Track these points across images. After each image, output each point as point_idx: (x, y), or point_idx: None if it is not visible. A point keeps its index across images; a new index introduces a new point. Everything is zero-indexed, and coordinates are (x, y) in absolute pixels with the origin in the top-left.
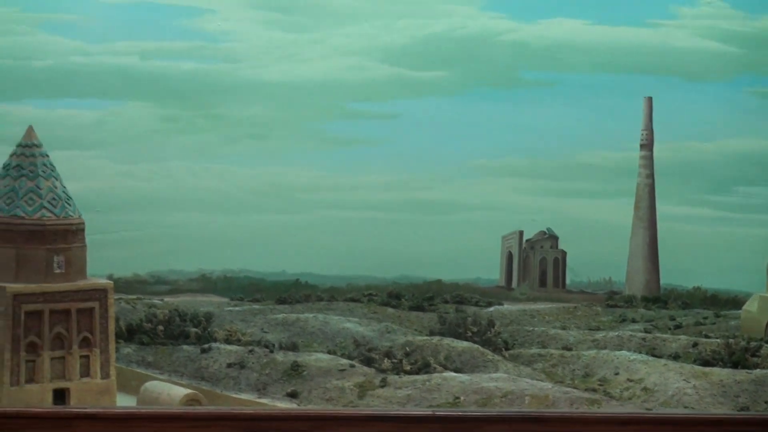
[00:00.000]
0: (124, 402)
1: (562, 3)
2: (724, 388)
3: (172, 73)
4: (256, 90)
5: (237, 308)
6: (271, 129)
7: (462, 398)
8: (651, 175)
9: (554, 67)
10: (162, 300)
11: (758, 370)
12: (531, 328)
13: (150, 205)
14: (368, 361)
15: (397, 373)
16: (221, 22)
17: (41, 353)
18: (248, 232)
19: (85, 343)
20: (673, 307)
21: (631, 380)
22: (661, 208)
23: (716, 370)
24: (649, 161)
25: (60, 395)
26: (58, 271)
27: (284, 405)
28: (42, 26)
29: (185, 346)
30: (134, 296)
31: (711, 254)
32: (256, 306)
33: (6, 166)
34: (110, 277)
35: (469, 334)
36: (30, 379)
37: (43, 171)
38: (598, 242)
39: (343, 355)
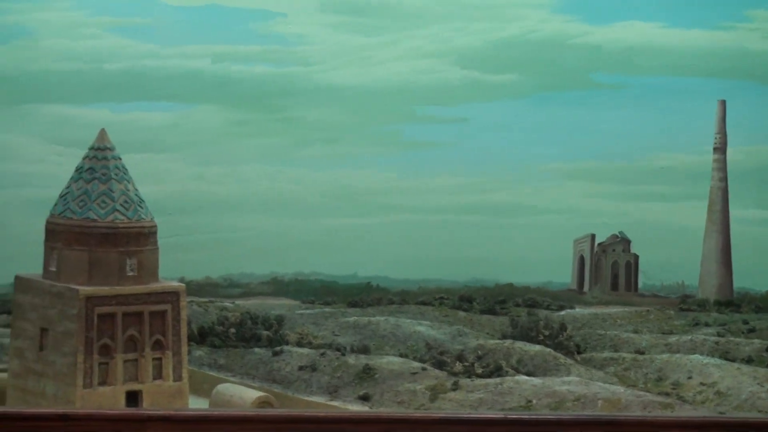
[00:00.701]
0: (197, 405)
1: (634, 6)
2: None
3: (244, 77)
4: (328, 93)
5: (308, 311)
6: (343, 132)
7: (534, 402)
8: (724, 179)
9: (627, 70)
10: (234, 303)
11: None
12: (603, 332)
13: (222, 208)
14: (440, 365)
15: (469, 377)
16: (292, 25)
17: (114, 356)
18: (320, 235)
19: (158, 345)
20: (746, 310)
21: (704, 384)
22: (734, 211)
23: None
24: (722, 164)
25: (133, 397)
26: (130, 273)
27: (356, 408)
28: (114, 30)
29: (257, 349)
30: (206, 299)
31: None
32: (327, 309)
33: (79, 169)
34: (182, 280)
35: (541, 337)
36: (103, 382)
37: (115, 174)
38: (671, 246)
39: (414, 358)
